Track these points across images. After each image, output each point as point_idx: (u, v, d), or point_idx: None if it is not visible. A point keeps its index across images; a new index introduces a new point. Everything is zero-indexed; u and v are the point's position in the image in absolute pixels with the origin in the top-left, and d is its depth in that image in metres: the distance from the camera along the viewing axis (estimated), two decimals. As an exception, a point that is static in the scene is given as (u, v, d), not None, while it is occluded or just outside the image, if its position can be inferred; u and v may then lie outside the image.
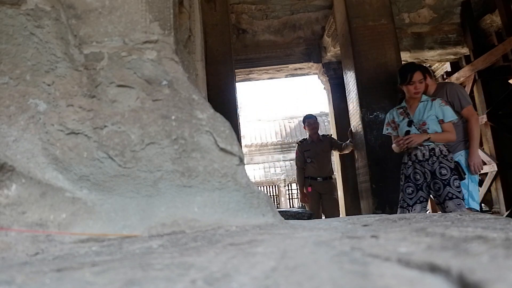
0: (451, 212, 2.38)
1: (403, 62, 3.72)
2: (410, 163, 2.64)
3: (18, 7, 1.22)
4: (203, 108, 1.19)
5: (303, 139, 4.66)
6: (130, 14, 1.27)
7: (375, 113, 3.39)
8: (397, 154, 3.31)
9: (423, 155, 2.57)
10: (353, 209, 4.97)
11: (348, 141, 4.13)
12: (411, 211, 2.59)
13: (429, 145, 2.56)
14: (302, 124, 4.68)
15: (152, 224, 1.10)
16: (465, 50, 5.58)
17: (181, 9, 1.73)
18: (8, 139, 1.15)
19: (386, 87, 3.41)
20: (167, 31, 1.27)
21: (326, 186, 4.39)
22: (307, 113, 4.71)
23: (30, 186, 1.11)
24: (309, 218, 3.25)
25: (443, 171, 2.50)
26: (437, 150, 2.54)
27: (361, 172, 3.60)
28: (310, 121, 4.51)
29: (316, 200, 4.42)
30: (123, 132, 1.16)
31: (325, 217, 4.33)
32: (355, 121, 3.69)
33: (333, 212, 4.36)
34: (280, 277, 0.49)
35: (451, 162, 2.52)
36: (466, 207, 2.57)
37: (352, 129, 3.85)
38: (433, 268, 0.46)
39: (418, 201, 2.59)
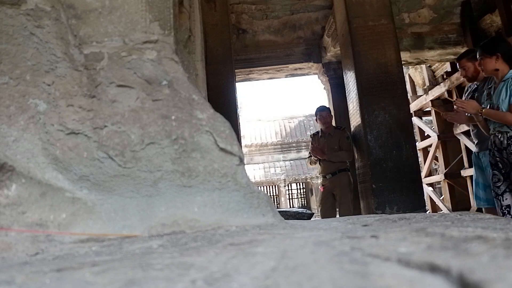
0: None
1: (403, 62, 3.71)
2: (491, 150, 2.43)
3: (18, 7, 1.22)
4: (203, 108, 1.19)
5: (316, 132, 4.30)
6: (130, 14, 1.27)
7: (375, 113, 3.38)
8: (397, 154, 3.32)
9: (501, 142, 2.34)
10: (353, 209, 4.96)
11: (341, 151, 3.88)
12: (502, 201, 2.37)
13: (507, 131, 2.30)
14: (314, 116, 4.25)
15: (152, 224, 1.10)
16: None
17: (181, 9, 1.73)
18: (8, 139, 1.15)
19: (386, 87, 3.41)
20: (167, 31, 1.27)
21: (337, 181, 3.94)
22: (320, 105, 4.27)
23: (30, 186, 1.11)
24: (309, 218, 3.25)
25: None
26: None
27: (361, 172, 3.60)
28: (323, 113, 4.10)
29: (328, 201, 4.01)
30: (123, 132, 1.16)
31: (340, 215, 3.96)
32: (355, 121, 3.69)
33: (344, 210, 3.91)
34: (280, 277, 0.49)
35: None
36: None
37: (352, 129, 3.83)
38: (433, 268, 0.46)
39: (508, 190, 2.33)
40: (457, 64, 2.84)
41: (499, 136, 2.35)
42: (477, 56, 2.45)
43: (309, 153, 4.26)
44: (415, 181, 3.29)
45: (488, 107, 2.43)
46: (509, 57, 2.39)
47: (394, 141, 3.33)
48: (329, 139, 4.05)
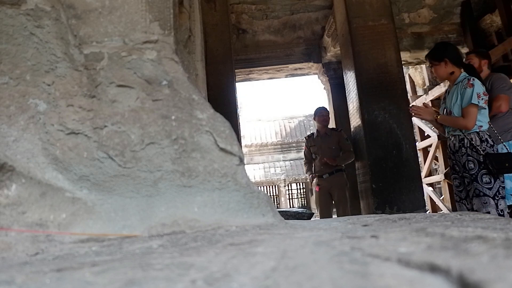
0: (476, 211, 2.20)
1: (403, 62, 3.71)
2: (448, 153, 2.45)
3: (18, 7, 1.22)
4: (203, 108, 1.19)
5: (311, 133, 4.42)
6: (130, 14, 1.27)
7: (375, 113, 3.38)
8: (397, 154, 3.32)
9: (454, 145, 2.37)
10: (353, 209, 4.96)
11: (342, 153, 3.93)
12: (468, 204, 2.34)
13: (459, 135, 2.32)
14: (313, 116, 4.39)
15: (152, 224, 1.10)
16: (465, 50, 5.57)
17: (181, 9, 1.73)
18: (8, 139, 1.15)
19: (386, 87, 3.41)
20: (167, 31, 1.27)
21: (334, 181, 4.06)
22: (319, 106, 4.41)
23: (30, 186, 1.11)
24: (309, 218, 3.25)
25: (470, 165, 2.25)
26: (466, 141, 2.28)
27: (361, 172, 3.60)
28: (324, 112, 4.26)
29: (326, 201, 4.11)
30: (123, 132, 1.16)
31: (337, 215, 4.10)
32: (355, 121, 3.69)
33: (343, 209, 4.02)
34: (280, 277, 0.49)
35: (480, 154, 2.22)
36: (509, 202, 2.35)
37: (352, 129, 3.83)
38: (433, 268, 0.46)
39: (474, 194, 2.27)
40: (464, 58, 2.86)
41: (452, 139, 2.38)
42: (428, 65, 2.47)
43: (304, 155, 4.40)
44: (415, 181, 3.29)
45: (443, 112, 2.44)
46: (457, 60, 2.41)
47: (394, 141, 3.33)
48: (326, 139, 4.15)
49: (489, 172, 2.20)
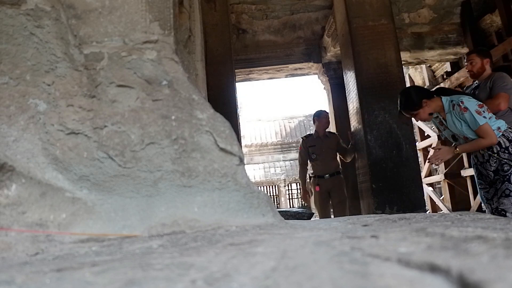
0: (504, 210, 2.23)
1: (403, 62, 3.71)
2: (473, 165, 2.44)
3: (18, 7, 1.22)
4: (203, 108, 1.19)
5: (308, 134, 4.52)
6: (130, 14, 1.27)
7: (375, 113, 3.38)
8: (397, 154, 3.32)
9: (483, 156, 2.35)
10: (353, 209, 4.96)
11: (350, 145, 4.07)
12: (493, 204, 2.35)
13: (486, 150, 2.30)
14: (313, 117, 4.49)
15: (152, 224, 1.10)
16: (465, 50, 5.58)
17: (181, 9, 1.73)
18: (8, 139, 1.15)
19: (386, 87, 3.41)
20: (167, 31, 1.27)
21: (335, 182, 4.18)
22: (320, 109, 4.54)
23: (30, 186, 1.11)
24: (309, 218, 3.25)
25: (506, 167, 2.24)
26: (494, 148, 2.26)
27: (361, 172, 3.61)
28: (327, 115, 4.39)
29: (325, 200, 4.20)
30: (123, 132, 1.16)
31: (334, 215, 4.18)
32: (355, 121, 3.69)
33: (343, 209, 4.13)
34: (280, 277, 0.49)
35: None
36: None
37: (352, 129, 3.84)
38: (433, 268, 0.46)
39: (503, 195, 2.28)
40: (465, 57, 2.88)
41: (480, 151, 2.35)
42: (418, 106, 2.39)
43: (300, 155, 4.46)
44: (415, 181, 3.29)
45: (449, 137, 2.42)
46: (428, 94, 2.40)
47: (394, 141, 3.33)
48: (327, 140, 4.27)
49: None
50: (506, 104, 2.64)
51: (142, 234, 1.08)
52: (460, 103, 2.24)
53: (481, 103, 2.28)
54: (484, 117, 2.19)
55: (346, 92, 3.92)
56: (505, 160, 2.24)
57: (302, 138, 4.60)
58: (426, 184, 6.34)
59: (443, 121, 2.40)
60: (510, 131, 2.26)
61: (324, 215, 4.19)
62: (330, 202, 4.24)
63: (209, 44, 3.92)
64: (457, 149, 2.33)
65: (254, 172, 15.12)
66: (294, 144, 15.78)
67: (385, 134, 3.34)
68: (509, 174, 2.23)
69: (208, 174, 1.14)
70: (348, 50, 3.67)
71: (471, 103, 2.22)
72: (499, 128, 2.25)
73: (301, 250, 0.65)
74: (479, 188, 2.48)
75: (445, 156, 2.39)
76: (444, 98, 2.35)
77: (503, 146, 2.24)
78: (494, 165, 2.29)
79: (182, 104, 1.19)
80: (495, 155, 2.27)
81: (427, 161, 2.57)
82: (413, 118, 2.55)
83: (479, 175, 2.43)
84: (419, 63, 6.03)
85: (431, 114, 2.39)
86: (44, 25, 1.23)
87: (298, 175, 4.60)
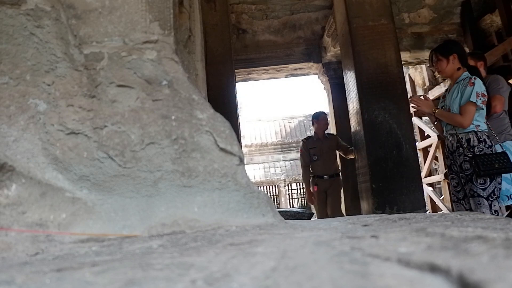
0: (471, 210, 2.20)
1: (403, 62, 3.71)
2: (446, 153, 2.45)
3: (18, 7, 1.22)
4: (203, 108, 1.19)
5: (308, 136, 4.62)
6: (130, 14, 1.27)
7: (375, 113, 3.38)
8: (397, 154, 3.32)
9: (452, 145, 2.36)
10: (353, 209, 4.96)
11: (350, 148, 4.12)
12: (466, 204, 2.34)
13: (457, 134, 2.31)
14: (311, 119, 4.62)
15: (152, 224, 1.10)
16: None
17: (181, 9, 1.73)
18: (8, 139, 1.15)
19: (386, 87, 3.40)
20: (167, 31, 1.27)
21: (333, 183, 4.32)
22: (318, 111, 4.66)
23: (30, 186, 1.11)
24: (309, 218, 3.25)
25: (466, 165, 2.25)
26: (463, 140, 2.28)
27: (361, 172, 3.60)
28: (325, 116, 4.51)
29: (322, 200, 4.34)
30: (123, 132, 1.16)
31: (329, 215, 4.31)
32: (355, 121, 3.69)
33: (337, 210, 4.27)
34: (280, 277, 0.49)
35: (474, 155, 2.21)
36: (504, 204, 2.34)
37: (352, 129, 3.84)
38: (433, 268, 0.46)
39: (470, 195, 2.27)
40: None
41: (450, 139, 2.38)
42: (433, 59, 2.46)
43: (303, 157, 4.55)
44: (415, 181, 3.28)
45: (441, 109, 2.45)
46: (464, 58, 2.42)
47: (394, 141, 3.33)
48: (326, 141, 4.41)
49: (476, 173, 2.19)
50: (502, 106, 2.65)
51: (142, 234, 1.08)
52: (473, 78, 2.27)
53: (486, 95, 2.28)
54: (476, 101, 2.22)
55: (346, 92, 3.92)
56: (467, 158, 2.25)
57: (302, 140, 4.68)
58: (426, 184, 6.34)
59: (446, 93, 2.44)
60: (485, 134, 2.28)
61: (321, 213, 4.35)
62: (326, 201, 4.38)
63: (209, 44, 3.92)
64: (436, 110, 2.38)
65: (254, 172, 15.12)
66: (294, 144, 15.78)
67: (385, 134, 3.34)
68: (471, 174, 2.24)
69: (208, 174, 1.14)
70: (348, 50, 3.67)
71: (479, 85, 2.25)
72: (478, 126, 2.27)
73: (301, 250, 0.65)
74: (451, 184, 2.47)
75: (423, 107, 2.42)
76: (467, 72, 2.38)
77: (471, 144, 2.26)
78: (460, 159, 2.30)
79: (182, 104, 1.19)
80: (462, 149, 2.27)
81: (409, 98, 2.58)
82: (414, 108, 2.54)
83: (451, 166, 2.44)
84: (419, 63, 6.02)
85: (457, 69, 2.37)
86: (44, 25, 1.23)
87: (302, 177, 4.69)
